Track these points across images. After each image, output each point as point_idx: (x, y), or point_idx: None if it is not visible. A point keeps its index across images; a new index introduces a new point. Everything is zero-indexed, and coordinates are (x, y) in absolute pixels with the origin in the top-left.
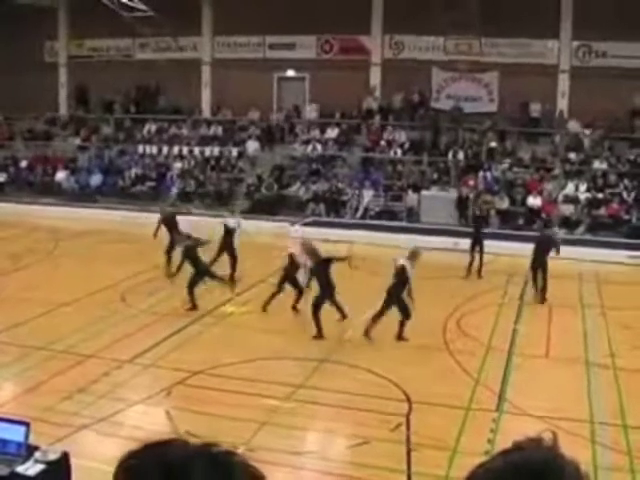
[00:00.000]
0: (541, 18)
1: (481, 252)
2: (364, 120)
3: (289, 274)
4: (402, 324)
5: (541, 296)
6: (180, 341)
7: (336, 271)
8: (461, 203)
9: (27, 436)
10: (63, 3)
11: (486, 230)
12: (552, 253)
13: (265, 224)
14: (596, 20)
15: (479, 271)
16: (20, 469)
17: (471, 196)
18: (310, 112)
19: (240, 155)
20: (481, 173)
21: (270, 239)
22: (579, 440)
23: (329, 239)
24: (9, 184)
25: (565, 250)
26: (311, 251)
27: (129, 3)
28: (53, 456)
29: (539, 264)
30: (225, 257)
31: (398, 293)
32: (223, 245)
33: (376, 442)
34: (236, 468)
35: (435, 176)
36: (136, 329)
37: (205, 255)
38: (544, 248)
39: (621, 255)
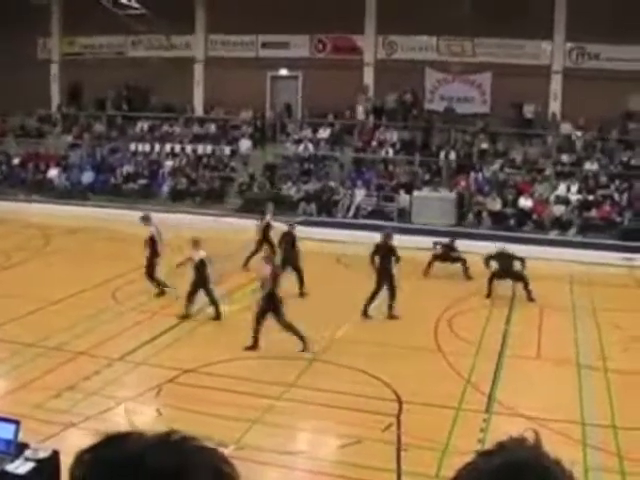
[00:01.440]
0: (534, 19)
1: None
2: (356, 120)
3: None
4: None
5: (528, 295)
6: (171, 339)
7: (327, 271)
8: (460, 203)
9: (17, 434)
10: (56, 0)
11: (478, 231)
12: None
13: (256, 223)
14: (590, 22)
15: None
16: (10, 467)
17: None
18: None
19: (233, 154)
20: (472, 174)
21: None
22: (569, 441)
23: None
24: (1, 181)
25: (556, 251)
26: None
27: (122, 1)
28: (43, 454)
29: (507, 274)
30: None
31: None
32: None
33: (367, 442)
34: (194, 453)
35: (427, 177)
36: (127, 327)
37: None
38: (508, 262)
39: (613, 257)
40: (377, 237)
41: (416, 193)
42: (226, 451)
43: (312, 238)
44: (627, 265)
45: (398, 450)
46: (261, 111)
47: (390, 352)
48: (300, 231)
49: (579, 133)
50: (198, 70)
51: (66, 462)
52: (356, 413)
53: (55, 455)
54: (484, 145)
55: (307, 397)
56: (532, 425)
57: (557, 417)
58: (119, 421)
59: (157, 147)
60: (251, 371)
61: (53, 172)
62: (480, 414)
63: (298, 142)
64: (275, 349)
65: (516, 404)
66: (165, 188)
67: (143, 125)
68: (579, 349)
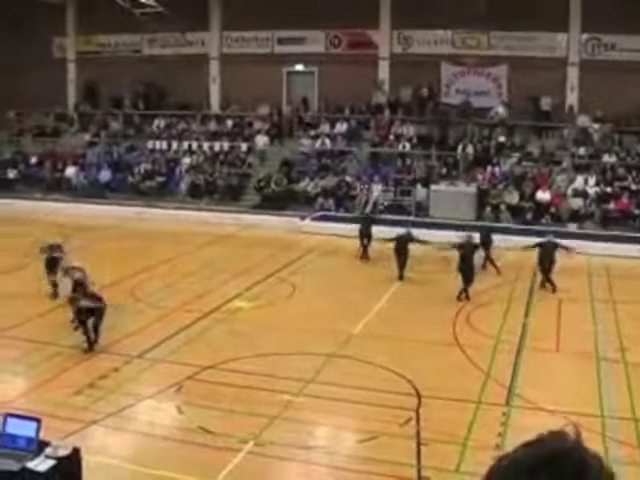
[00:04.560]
0: (550, 11)
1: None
2: (373, 115)
3: None
4: None
5: (544, 283)
6: (190, 336)
7: (345, 266)
8: (481, 197)
9: (38, 432)
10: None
11: (496, 224)
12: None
13: (274, 219)
14: (605, 13)
15: (484, 265)
16: (31, 465)
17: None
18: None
19: (249, 150)
20: (490, 168)
21: (279, 234)
22: (590, 434)
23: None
24: (19, 180)
25: (575, 244)
26: None
27: None
28: (64, 452)
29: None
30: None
31: None
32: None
33: (386, 437)
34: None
35: (444, 171)
36: (145, 324)
37: None
38: (551, 252)
39: (631, 249)
40: (396, 231)
41: (433, 187)
42: (246, 447)
43: (329, 233)
44: None
45: (418, 445)
46: (277, 107)
47: (409, 346)
48: (317, 226)
49: (596, 125)
50: (214, 67)
51: (87, 459)
52: (375, 408)
53: (76, 452)
54: (501, 138)
55: (326, 393)
56: (552, 418)
57: (577, 410)
58: (140, 418)
59: (174, 145)
60: (270, 367)
61: (70, 171)
62: (500, 407)
63: (315, 137)
64: (294, 345)
65: (536, 397)
66: (183, 185)
67: (160, 123)
68: (598, 341)
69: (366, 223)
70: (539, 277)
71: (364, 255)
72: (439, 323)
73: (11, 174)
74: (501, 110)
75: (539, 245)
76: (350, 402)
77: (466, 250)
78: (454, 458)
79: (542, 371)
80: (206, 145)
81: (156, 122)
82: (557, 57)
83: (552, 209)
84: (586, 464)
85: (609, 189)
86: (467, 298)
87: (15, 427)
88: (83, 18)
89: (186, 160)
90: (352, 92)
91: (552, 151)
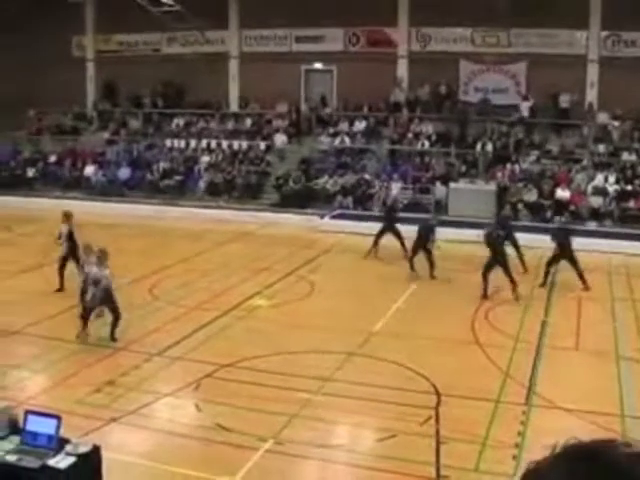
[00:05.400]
0: (569, 8)
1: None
2: (391, 113)
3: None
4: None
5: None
6: (208, 334)
7: (364, 264)
8: (500, 194)
9: (58, 429)
10: None
11: (515, 223)
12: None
13: (293, 217)
14: (625, 9)
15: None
16: (51, 462)
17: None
18: (525, 108)
19: (268, 148)
20: (509, 165)
21: (298, 232)
22: (610, 434)
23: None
24: (38, 179)
25: (594, 242)
26: None
27: None
28: (84, 449)
29: (567, 255)
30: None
31: None
32: None
33: (405, 435)
34: None
35: (463, 168)
36: (164, 322)
37: None
38: (568, 238)
39: None
40: (413, 230)
41: (453, 185)
42: (265, 445)
43: (348, 231)
44: None
45: (437, 443)
46: (296, 105)
47: (427, 345)
48: (336, 225)
49: (616, 123)
50: (233, 65)
51: (107, 457)
52: (394, 406)
53: (96, 450)
54: (520, 136)
55: (345, 391)
56: (571, 417)
57: (597, 409)
58: (159, 416)
59: (193, 143)
60: (289, 365)
61: (90, 169)
62: (519, 407)
63: (334, 135)
64: (313, 343)
65: (555, 396)
66: (201, 184)
67: (179, 121)
68: (618, 340)
69: (387, 220)
70: (560, 275)
71: (375, 253)
72: (458, 321)
73: (30, 172)
74: (525, 108)
75: (552, 236)
76: (369, 400)
77: (496, 244)
78: (473, 457)
79: (562, 370)
80: (225, 143)
81: (175, 120)
82: (576, 54)
83: (572, 207)
84: (616, 467)
85: (629, 187)
86: (485, 297)
87: (35, 424)
88: (102, 17)
89: (205, 158)
90: (370, 90)
91: (571, 149)
